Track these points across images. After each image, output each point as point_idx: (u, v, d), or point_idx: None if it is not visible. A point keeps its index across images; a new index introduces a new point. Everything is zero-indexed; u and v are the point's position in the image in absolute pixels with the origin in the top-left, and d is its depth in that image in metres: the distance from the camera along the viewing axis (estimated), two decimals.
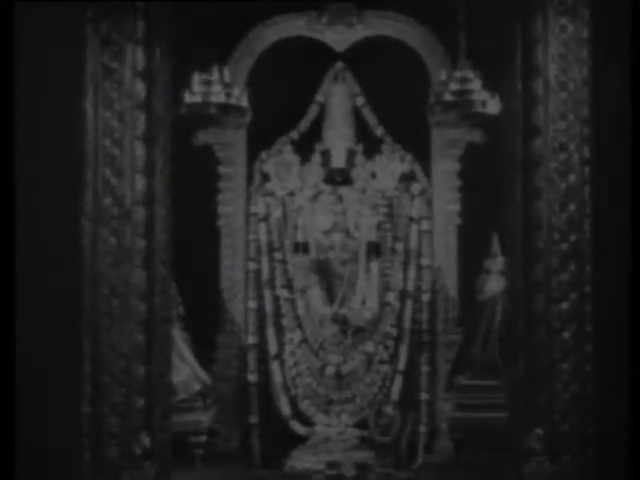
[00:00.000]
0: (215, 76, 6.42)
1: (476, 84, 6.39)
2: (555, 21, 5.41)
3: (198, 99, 6.43)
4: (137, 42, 5.30)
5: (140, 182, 5.36)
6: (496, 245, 6.61)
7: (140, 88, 5.36)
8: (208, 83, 6.44)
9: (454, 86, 6.39)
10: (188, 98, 6.45)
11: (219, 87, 6.45)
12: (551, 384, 5.43)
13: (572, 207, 5.50)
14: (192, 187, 6.53)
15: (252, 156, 6.93)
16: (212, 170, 6.98)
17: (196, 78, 6.45)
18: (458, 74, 6.41)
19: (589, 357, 5.44)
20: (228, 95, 6.46)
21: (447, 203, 6.99)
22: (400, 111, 6.72)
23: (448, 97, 6.37)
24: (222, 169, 7.04)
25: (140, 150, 5.37)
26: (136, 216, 5.41)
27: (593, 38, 5.44)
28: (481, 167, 6.68)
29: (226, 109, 6.52)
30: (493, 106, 6.33)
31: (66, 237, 5.43)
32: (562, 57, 5.44)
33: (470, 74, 6.39)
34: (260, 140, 6.87)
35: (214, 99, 6.42)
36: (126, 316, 5.35)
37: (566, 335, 5.44)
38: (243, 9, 6.56)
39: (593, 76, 5.47)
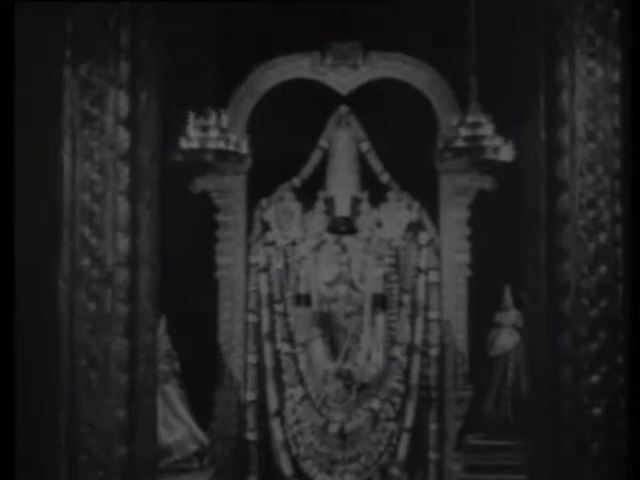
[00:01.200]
0: (212, 121, 5.88)
1: (488, 129, 5.83)
2: (583, 64, 4.59)
3: (195, 145, 5.86)
4: (120, 86, 4.59)
5: (123, 242, 4.55)
6: (508, 298, 6.17)
7: (124, 137, 4.59)
8: (205, 128, 5.88)
9: (465, 131, 5.84)
10: (184, 144, 5.88)
11: (216, 132, 5.90)
12: (579, 465, 4.58)
13: (602, 269, 4.65)
14: (189, 236, 6.09)
15: (252, 204, 6.41)
16: (210, 218, 6.40)
17: (192, 123, 5.89)
18: (469, 119, 5.85)
19: (622, 436, 4.60)
20: (226, 141, 5.94)
21: (456, 253, 6.39)
22: (407, 157, 6.20)
23: (459, 143, 5.83)
24: (221, 217, 6.45)
25: (123, 206, 4.57)
26: (118, 279, 4.58)
27: (625, 83, 4.61)
28: (493, 215, 6.12)
29: (224, 155, 5.98)
30: (506, 153, 5.79)
31: (41, 302, 4.62)
32: (590, 103, 4.61)
33: (482, 119, 5.82)
34: (261, 187, 6.37)
35: (211, 145, 5.88)
36: (106, 390, 4.55)
37: (596, 412, 4.59)
38: (243, 49, 6.15)
39: (625, 125, 4.65)
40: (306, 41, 6.33)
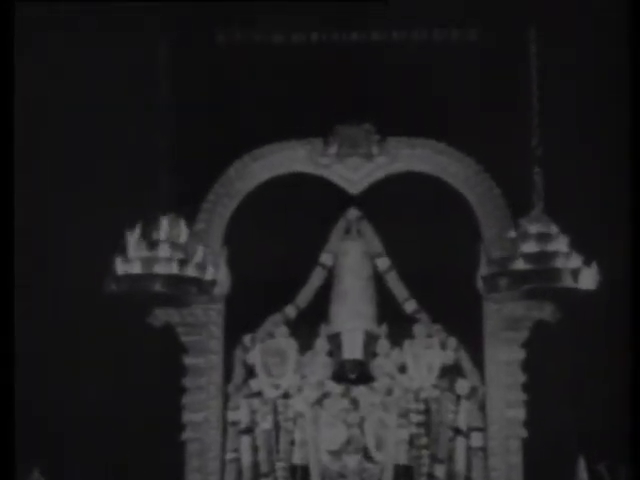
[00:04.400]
0: (163, 233, 4.99)
1: (562, 244, 5.06)
2: None
3: (135, 269, 4.95)
4: None
5: None
6: (583, 473, 5.30)
7: None
8: (153, 245, 4.96)
9: (528, 247, 5.06)
10: (121, 267, 4.96)
11: (167, 250, 4.97)
12: None
13: None
14: (147, 384, 5.49)
15: (231, 342, 5.77)
16: (175, 361, 5.70)
17: (134, 237, 4.98)
18: (533, 228, 5.06)
19: None
20: (181, 263, 4.98)
21: (507, 408, 5.67)
22: (439, 278, 5.66)
23: (518, 265, 5.01)
24: (189, 360, 5.73)
25: None
26: None
27: None
28: (555, 356, 5.52)
29: (178, 283, 5.06)
30: (589, 278, 4.97)
31: None
32: None
33: (552, 229, 5.09)
34: (243, 319, 5.75)
35: (160, 269, 4.94)
36: None
37: None
38: (220, 135, 5.64)
39: None
40: (304, 124, 5.80)
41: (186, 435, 5.63)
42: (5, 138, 4.77)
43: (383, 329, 5.72)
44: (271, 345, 5.69)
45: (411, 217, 5.73)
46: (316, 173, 5.90)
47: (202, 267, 5.12)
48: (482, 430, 5.67)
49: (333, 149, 5.82)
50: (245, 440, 5.63)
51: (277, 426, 5.65)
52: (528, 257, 5.07)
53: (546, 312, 5.59)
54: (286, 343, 5.69)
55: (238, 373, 5.69)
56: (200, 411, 5.73)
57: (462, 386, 5.65)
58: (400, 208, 5.77)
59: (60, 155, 5.51)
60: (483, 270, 5.49)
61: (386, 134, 5.83)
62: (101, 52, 5.56)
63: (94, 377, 5.47)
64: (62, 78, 5.46)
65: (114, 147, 5.57)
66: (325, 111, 5.69)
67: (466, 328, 5.72)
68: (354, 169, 5.84)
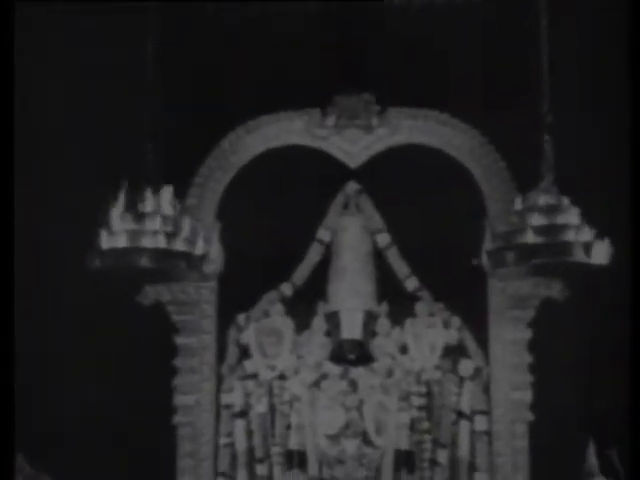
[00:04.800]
0: (150, 205, 4.82)
1: (573, 217, 4.87)
2: None
3: (120, 243, 4.78)
4: None
5: None
6: (593, 459, 5.24)
7: None
8: (140, 217, 4.79)
9: (537, 219, 4.87)
10: (106, 241, 4.80)
11: (156, 222, 4.80)
12: None
13: None
14: (136, 366, 5.45)
15: (224, 321, 5.72)
16: (166, 341, 5.63)
17: (119, 209, 4.83)
18: (542, 200, 4.90)
19: None
20: (170, 236, 4.81)
21: (513, 389, 5.64)
22: (442, 254, 5.59)
23: (527, 237, 4.80)
24: (181, 340, 5.68)
25: None
26: None
27: None
28: (563, 335, 5.47)
29: (165, 258, 4.89)
30: (601, 252, 4.82)
31: None
32: None
33: (563, 201, 4.90)
34: (237, 297, 5.70)
35: (147, 242, 4.76)
36: None
37: None
38: (212, 105, 5.60)
39: None
40: (301, 94, 5.73)
41: (177, 419, 5.60)
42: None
43: (383, 308, 5.68)
44: (266, 324, 5.66)
45: (413, 191, 5.67)
46: (313, 145, 5.82)
47: (191, 241, 4.96)
48: (486, 413, 5.62)
49: (331, 120, 5.77)
50: (239, 424, 5.61)
51: (272, 409, 5.61)
52: (537, 230, 4.90)
53: (554, 289, 5.54)
54: (282, 322, 5.66)
55: (232, 354, 5.65)
56: (192, 393, 5.68)
57: (466, 367, 5.63)
58: (401, 182, 5.71)
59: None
60: (488, 245, 5.36)
61: (387, 104, 5.77)
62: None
63: (80, 358, 5.41)
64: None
65: (101, 118, 5.50)
66: (323, 81, 5.64)
67: (470, 306, 5.66)
68: (353, 141, 5.79)
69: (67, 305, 5.33)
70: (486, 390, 5.61)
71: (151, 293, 5.58)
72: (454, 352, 5.66)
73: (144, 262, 4.87)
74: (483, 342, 5.70)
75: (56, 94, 5.53)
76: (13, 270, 4.84)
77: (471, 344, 5.65)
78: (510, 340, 5.65)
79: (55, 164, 5.52)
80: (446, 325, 5.64)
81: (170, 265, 4.96)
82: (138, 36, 5.25)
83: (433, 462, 5.56)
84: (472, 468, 5.55)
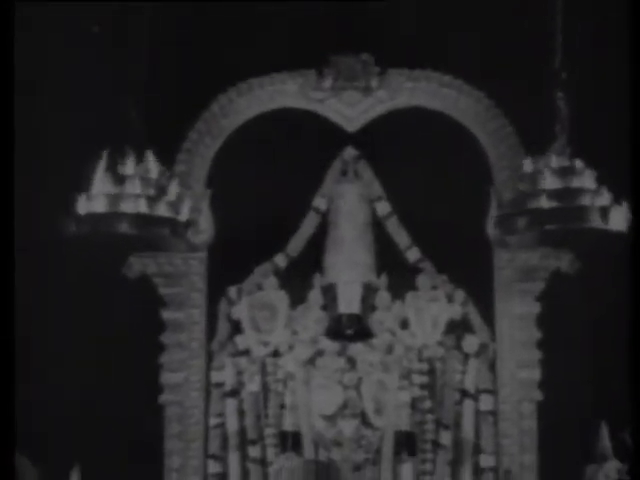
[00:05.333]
0: (131, 167, 4.66)
1: (589, 180, 4.75)
2: None
3: (99, 208, 4.62)
4: None
5: None
6: (605, 440, 5.19)
7: None
8: (120, 180, 4.64)
9: (550, 182, 4.73)
10: (83, 206, 4.65)
11: (137, 186, 4.63)
12: None
13: None
14: (121, 341, 5.39)
15: (215, 294, 5.65)
16: (152, 316, 5.56)
17: (100, 172, 4.67)
18: (555, 162, 4.76)
19: None
20: (150, 200, 4.67)
21: (521, 367, 5.56)
22: (445, 223, 5.53)
23: (540, 202, 4.71)
24: (168, 314, 5.59)
25: None
26: None
27: None
28: (573, 310, 5.41)
29: (152, 224, 4.72)
30: (619, 218, 4.73)
31: None
32: None
33: (577, 163, 4.80)
34: (228, 269, 5.63)
35: (127, 207, 4.60)
36: None
37: None
38: (202, 66, 5.51)
39: None
40: (296, 54, 5.64)
41: (165, 398, 5.50)
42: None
43: (383, 280, 5.61)
44: (259, 298, 5.60)
45: (414, 157, 5.55)
46: (309, 108, 5.75)
47: (176, 206, 4.82)
48: (492, 392, 5.54)
49: (328, 82, 5.68)
50: (230, 404, 5.52)
51: (266, 388, 5.56)
52: (550, 194, 4.77)
53: (564, 261, 5.44)
54: (276, 296, 5.60)
55: (222, 329, 5.57)
56: (180, 371, 5.59)
57: (470, 343, 5.55)
58: (402, 147, 5.60)
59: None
60: (494, 214, 5.25)
61: (387, 65, 5.68)
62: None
63: (60, 335, 5.32)
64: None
65: (84, 82, 5.39)
66: (319, 40, 5.55)
67: (475, 279, 5.58)
68: (351, 104, 5.69)
69: (45, 276, 5.19)
70: (492, 368, 5.54)
71: (136, 265, 5.50)
72: (458, 327, 5.58)
73: (124, 228, 4.74)
74: (489, 317, 5.61)
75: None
76: None
77: (476, 319, 5.56)
78: (517, 315, 5.56)
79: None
80: (449, 299, 5.56)
81: (153, 232, 4.79)
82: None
83: (435, 444, 5.51)
84: (477, 450, 5.48)
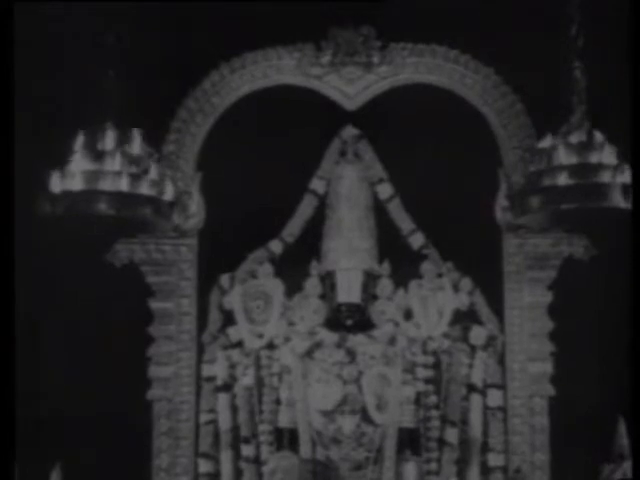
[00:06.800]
0: (111, 142, 4.45)
1: (609, 156, 4.55)
2: None
3: (75, 186, 4.41)
4: None
5: None
6: (624, 438, 4.95)
7: None
8: (98, 156, 4.43)
9: (566, 157, 4.54)
10: (58, 184, 4.48)
11: (117, 162, 4.44)
12: None
13: None
14: (106, 332, 5.27)
15: (206, 283, 5.49)
16: (140, 306, 5.39)
17: (78, 147, 4.45)
18: (573, 138, 4.55)
19: None
20: (135, 178, 4.46)
21: (532, 361, 5.40)
22: (451, 207, 5.41)
23: (560, 179, 4.50)
24: (156, 304, 5.42)
25: None
26: None
27: None
28: (589, 300, 5.28)
29: (134, 203, 4.53)
30: None
31: None
32: None
33: (597, 138, 4.59)
34: (220, 256, 5.47)
35: (105, 185, 4.42)
36: None
37: None
38: (194, 38, 5.38)
39: None
40: (293, 27, 5.46)
41: (153, 393, 5.32)
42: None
43: (385, 267, 5.42)
44: (253, 287, 5.43)
45: (417, 137, 5.40)
46: (306, 85, 5.54)
47: (159, 184, 4.60)
48: (501, 387, 5.37)
49: (326, 57, 5.48)
50: (222, 399, 5.34)
51: (260, 382, 5.36)
52: (566, 170, 4.55)
53: (578, 247, 5.28)
54: (271, 284, 5.44)
55: (214, 320, 5.40)
56: (169, 364, 5.41)
57: (478, 335, 5.37)
58: (405, 126, 5.41)
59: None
60: (504, 195, 5.09)
61: (389, 39, 5.50)
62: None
63: (42, 325, 5.19)
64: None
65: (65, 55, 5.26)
66: (317, 11, 5.34)
67: (483, 266, 5.41)
68: (351, 80, 5.50)
69: (27, 261, 4.89)
70: (501, 361, 5.37)
71: (122, 251, 5.32)
72: (465, 318, 5.42)
73: (103, 208, 4.53)
74: (497, 307, 5.44)
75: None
76: None
77: (484, 309, 5.38)
78: (528, 304, 5.38)
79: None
80: (456, 287, 5.40)
81: (134, 212, 4.56)
82: None
83: (441, 442, 5.31)
84: (485, 448, 5.29)
